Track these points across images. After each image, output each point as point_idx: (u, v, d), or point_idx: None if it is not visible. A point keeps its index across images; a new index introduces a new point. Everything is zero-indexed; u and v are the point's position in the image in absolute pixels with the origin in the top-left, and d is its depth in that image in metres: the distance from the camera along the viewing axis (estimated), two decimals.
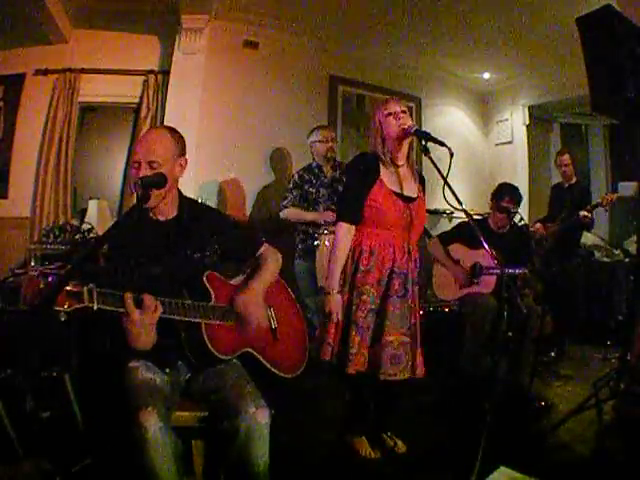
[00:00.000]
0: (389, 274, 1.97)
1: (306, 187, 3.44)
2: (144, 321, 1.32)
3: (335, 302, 1.93)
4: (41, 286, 1.19)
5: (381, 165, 2.02)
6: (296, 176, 3.50)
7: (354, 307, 1.96)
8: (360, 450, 2.14)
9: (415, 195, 2.05)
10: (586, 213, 3.47)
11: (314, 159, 3.55)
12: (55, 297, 1.17)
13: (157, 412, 1.29)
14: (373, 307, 1.96)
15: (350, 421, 2.22)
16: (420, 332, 2.08)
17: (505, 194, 3.10)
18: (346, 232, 1.96)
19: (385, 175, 2.00)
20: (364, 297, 1.95)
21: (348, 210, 1.99)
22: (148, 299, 1.33)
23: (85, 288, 1.24)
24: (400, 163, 2.05)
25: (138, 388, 1.40)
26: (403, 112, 2.01)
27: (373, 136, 2.07)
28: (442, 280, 3.17)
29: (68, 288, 1.21)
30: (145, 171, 1.54)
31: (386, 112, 2.01)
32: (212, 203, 3.97)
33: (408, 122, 1.99)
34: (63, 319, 1.22)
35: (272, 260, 1.78)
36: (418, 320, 2.06)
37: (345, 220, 1.97)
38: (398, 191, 2.00)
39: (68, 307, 1.21)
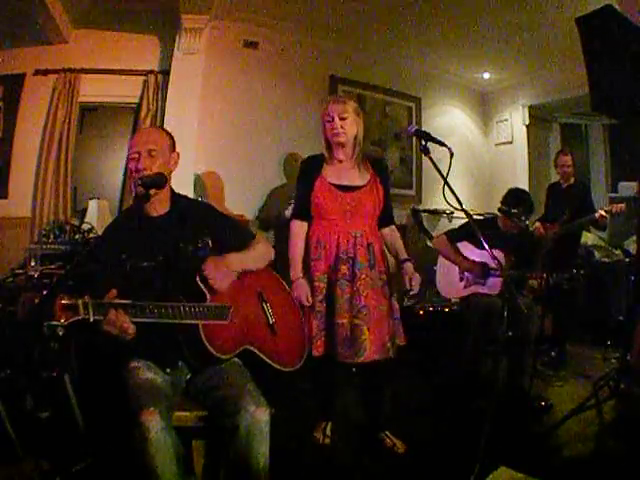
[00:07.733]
0: (335, 260, 2.09)
1: None
2: (110, 332, 1.31)
3: (299, 287, 2.06)
4: (36, 301, 1.19)
5: (325, 162, 2.16)
6: None
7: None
8: (316, 435, 2.23)
9: (359, 184, 2.14)
10: (603, 213, 3.42)
11: None
12: (48, 310, 1.17)
13: (159, 412, 1.29)
14: (325, 292, 2.09)
15: (319, 408, 2.30)
16: (381, 315, 2.07)
17: (511, 203, 2.93)
18: (298, 227, 2.16)
19: (327, 170, 2.15)
20: (316, 284, 2.09)
21: (298, 209, 2.20)
22: (112, 315, 1.29)
23: (80, 301, 1.23)
24: (341, 158, 2.15)
25: (139, 388, 1.40)
26: (342, 119, 2.08)
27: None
28: (446, 278, 3.15)
29: (63, 302, 1.21)
30: (145, 160, 1.55)
31: (326, 117, 2.12)
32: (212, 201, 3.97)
33: (338, 130, 2.07)
34: (61, 333, 1.20)
35: (261, 247, 1.77)
36: (373, 302, 2.06)
37: (296, 217, 2.18)
38: (337, 183, 2.13)
39: (65, 321, 1.20)
